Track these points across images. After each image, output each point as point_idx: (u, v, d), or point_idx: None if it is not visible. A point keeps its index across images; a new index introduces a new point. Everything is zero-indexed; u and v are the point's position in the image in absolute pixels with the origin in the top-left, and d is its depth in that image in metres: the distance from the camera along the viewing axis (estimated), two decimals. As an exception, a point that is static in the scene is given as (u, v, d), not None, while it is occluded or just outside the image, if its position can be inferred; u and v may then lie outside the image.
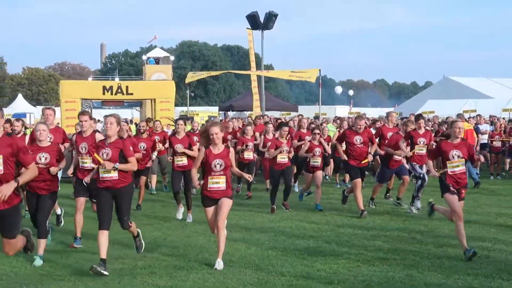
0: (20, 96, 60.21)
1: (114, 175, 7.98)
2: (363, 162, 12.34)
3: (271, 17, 31.30)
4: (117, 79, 51.39)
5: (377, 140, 13.60)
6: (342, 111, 44.84)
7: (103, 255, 7.82)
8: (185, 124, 17.86)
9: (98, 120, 25.02)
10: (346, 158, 12.30)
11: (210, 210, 8.30)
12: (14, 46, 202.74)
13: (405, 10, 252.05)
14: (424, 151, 12.22)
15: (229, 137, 16.83)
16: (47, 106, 11.35)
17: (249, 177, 9.29)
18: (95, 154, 8.02)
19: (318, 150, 13.15)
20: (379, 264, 8.15)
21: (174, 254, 8.91)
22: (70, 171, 10.26)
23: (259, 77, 31.47)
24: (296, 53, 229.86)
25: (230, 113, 37.43)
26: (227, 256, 8.66)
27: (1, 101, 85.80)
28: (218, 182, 8.19)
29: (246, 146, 15.02)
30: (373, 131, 14.42)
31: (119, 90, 26.98)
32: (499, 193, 15.20)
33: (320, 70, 27.33)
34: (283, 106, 37.52)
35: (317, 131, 13.71)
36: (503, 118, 25.06)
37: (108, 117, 8.27)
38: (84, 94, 28.08)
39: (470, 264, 7.95)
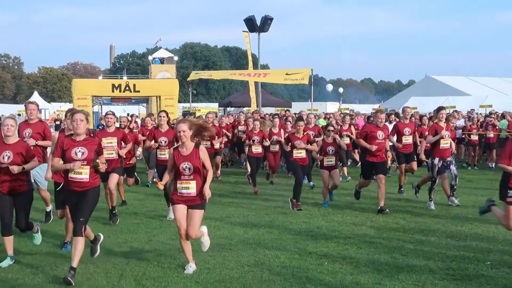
0: (36, 93, 60.07)
1: (85, 176, 6.81)
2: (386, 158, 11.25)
3: (267, 21, 31.33)
4: (125, 77, 51.21)
5: (394, 137, 13.02)
6: (332, 107, 44.84)
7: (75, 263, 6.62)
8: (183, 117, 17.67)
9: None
10: (373, 149, 10.76)
11: (178, 207, 7.03)
12: (30, 47, 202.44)
13: (391, 15, 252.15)
14: (447, 145, 11.40)
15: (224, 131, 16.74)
16: (30, 101, 10.20)
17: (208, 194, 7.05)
18: (98, 161, 6.90)
19: (331, 149, 11.76)
20: (365, 247, 8.17)
21: (177, 238, 8.88)
22: (49, 175, 8.25)
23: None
24: (290, 54, 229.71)
25: (229, 109, 37.43)
26: (226, 240, 8.69)
27: (19, 98, 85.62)
28: (188, 188, 6.93)
29: (253, 140, 14.14)
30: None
31: (127, 88, 27.02)
32: (475, 182, 15.22)
33: (312, 70, 27.35)
34: (277, 103, 37.56)
35: (331, 127, 12.21)
36: (480, 114, 25.11)
37: (77, 113, 6.92)
38: (95, 91, 28.13)
39: (449, 248, 7.97)
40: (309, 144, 11.52)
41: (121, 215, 10.59)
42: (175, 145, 7.56)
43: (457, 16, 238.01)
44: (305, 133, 11.78)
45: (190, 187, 6.92)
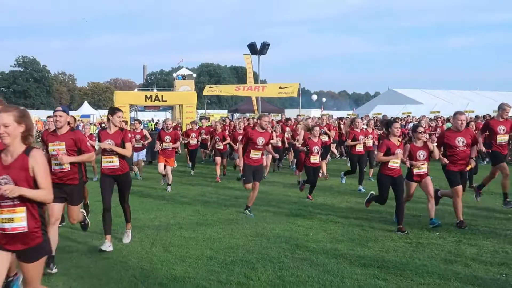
0: (85, 102, 60.18)
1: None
2: (467, 168, 7.89)
3: (265, 46, 31.51)
4: (155, 90, 51.23)
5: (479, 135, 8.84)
6: (316, 113, 44.85)
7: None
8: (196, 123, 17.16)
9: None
10: (447, 162, 7.70)
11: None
12: (82, 66, 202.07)
13: (361, 40, 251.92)
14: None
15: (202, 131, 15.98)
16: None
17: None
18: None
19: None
20: (342, 221, 8.15)
21: (196, 214, 8.90)
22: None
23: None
24: (282, 71, 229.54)
25: (236, 114, 37.38)
26: (233, 216, 8.67)
27: (72, 106, 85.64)
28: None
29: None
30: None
31: (157, 98, 27.04)
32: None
33: (299, 84, 27.38)
34: (272, 109, 37.50)
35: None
36: (430, 118, 25.06)
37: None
38: (132, 101, 28.16)
39: (407, 222, 7.92)
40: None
41: (151, 197, 10.59)
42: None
43: (414, 40, 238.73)
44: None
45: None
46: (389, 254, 6.19)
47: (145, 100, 27.24)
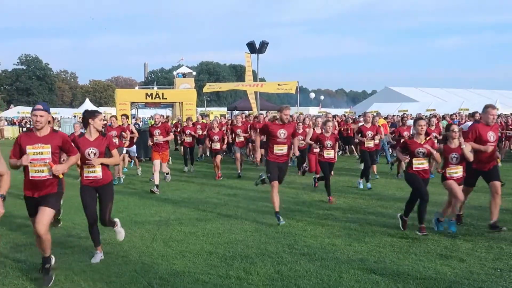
0: (87, 100, 60.12)
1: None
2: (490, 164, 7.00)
3: (264, 44, 31.37)
4: (155, 88, 51.15)
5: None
6: (313, 111, 44.86)
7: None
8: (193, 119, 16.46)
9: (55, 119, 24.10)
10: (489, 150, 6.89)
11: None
12: (83, 64, 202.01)
13: (357, 39, 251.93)
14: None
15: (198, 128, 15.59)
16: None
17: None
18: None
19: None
20: (339, 217, 8.14)
21: (196, 209, 8.89)
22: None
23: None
24: (281, 69, 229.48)
25: (235, 112, 37.34)
26: (232, 212, 8.65)
27: (74, 103, 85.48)
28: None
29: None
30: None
31: (157, 96, 26.94)
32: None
33: (298, 82, 27.32)
34: (271, 107, 37.45)
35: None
36: (425, 116, 25.00)
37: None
38: (133, 98, 28.05)
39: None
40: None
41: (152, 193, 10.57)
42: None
43: (410, 40, 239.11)
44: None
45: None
46: (386, 249, 6.18)
47: (146, 98, 27.15)
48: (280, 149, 7.82)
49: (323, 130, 10.07)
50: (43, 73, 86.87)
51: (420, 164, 6.84)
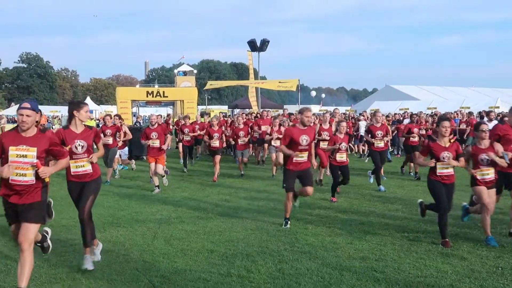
0: (88, 98, 60.13)
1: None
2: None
3: (265, 43, 31.33)
4: (156, 86, 51.09)
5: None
6: (314, 109, 44.76)
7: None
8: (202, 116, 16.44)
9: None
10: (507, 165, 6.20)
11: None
12: (84, 62, 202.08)
13: (358, 38, 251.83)
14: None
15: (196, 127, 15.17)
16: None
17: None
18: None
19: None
20: (341, 216, 8.14)
21: (197, 208, 8.88)
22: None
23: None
24: (282, 68, 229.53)
25: (236, 110, 37.33)
26: (234, 210, 8.65)
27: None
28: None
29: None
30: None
31: (158, 94, 26.95)
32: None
33: (299, 80, 27.31)
34: (272, 105, 37.44)
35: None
36: (426, 114, 24.99)
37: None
38: (133, 97, 28.05)
39: (404, 217, 7.91)
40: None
41: (152, 191, 10.57)
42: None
43: (411, 38, 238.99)
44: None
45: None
46: (387, 248, 6.17)
47: (147, 96, 27.16)
48: (300, 157, 7.23)
49: (337, 131, 9.65)
50: (44, 71, 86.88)
51: (444, 168, 6.23)
